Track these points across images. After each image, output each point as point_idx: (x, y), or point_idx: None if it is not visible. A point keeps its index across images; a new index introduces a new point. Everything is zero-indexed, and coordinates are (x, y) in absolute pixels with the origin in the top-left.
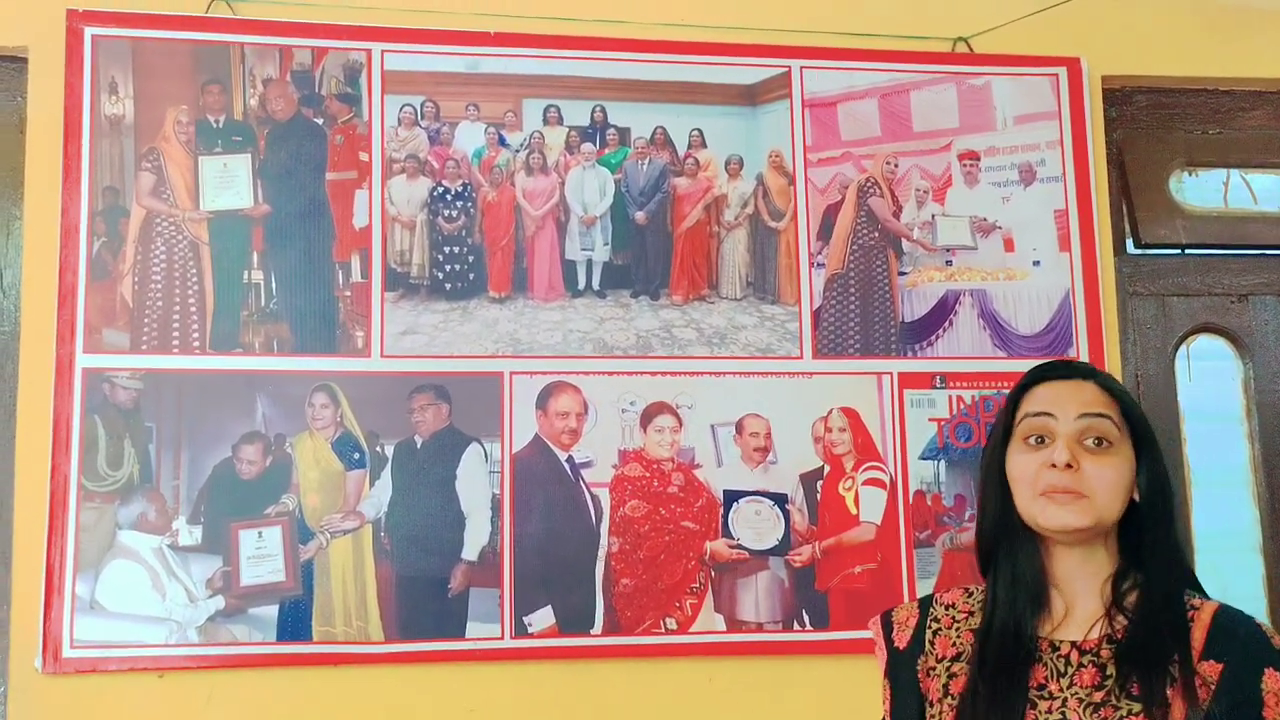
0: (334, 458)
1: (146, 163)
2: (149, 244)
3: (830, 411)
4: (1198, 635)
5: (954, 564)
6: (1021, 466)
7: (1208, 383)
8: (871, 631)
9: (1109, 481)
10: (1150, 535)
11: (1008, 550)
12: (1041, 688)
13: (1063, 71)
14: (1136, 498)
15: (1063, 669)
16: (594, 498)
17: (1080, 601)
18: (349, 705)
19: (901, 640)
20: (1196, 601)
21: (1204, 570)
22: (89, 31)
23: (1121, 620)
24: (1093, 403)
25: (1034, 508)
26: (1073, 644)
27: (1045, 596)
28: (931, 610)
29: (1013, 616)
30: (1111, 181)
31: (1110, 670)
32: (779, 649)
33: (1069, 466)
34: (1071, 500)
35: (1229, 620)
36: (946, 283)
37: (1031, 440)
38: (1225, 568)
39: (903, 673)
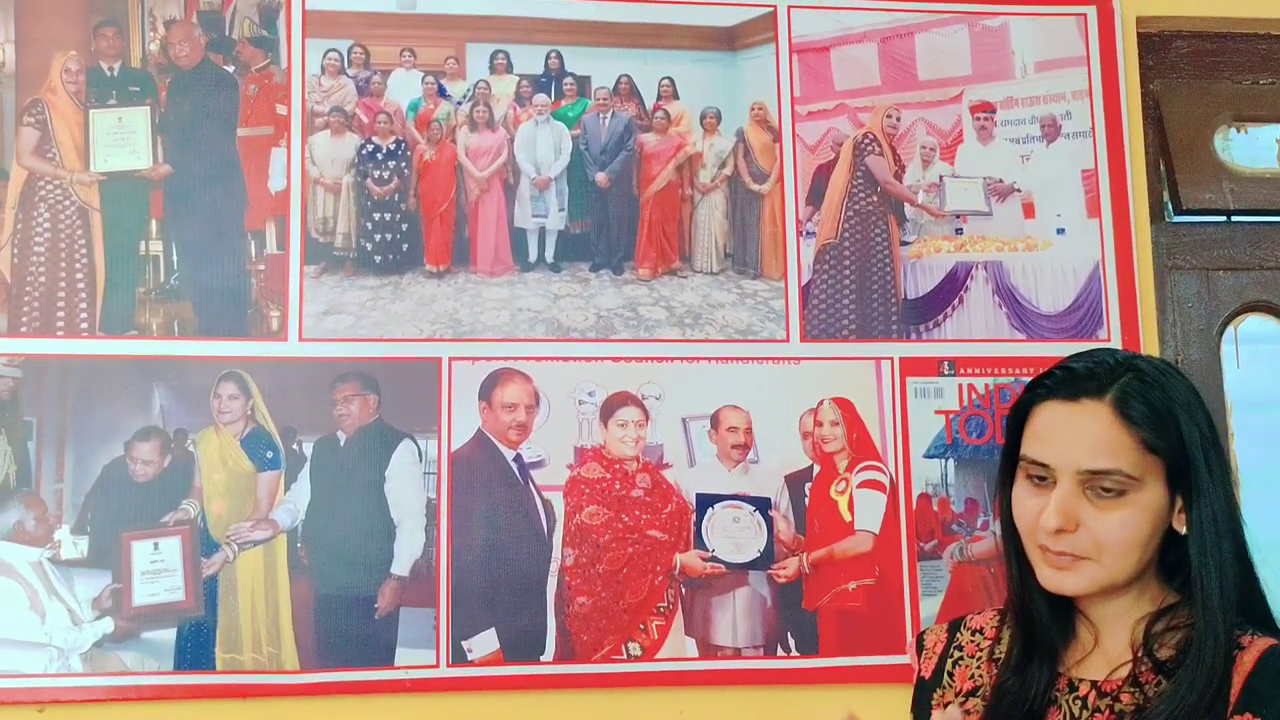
0: (243, 457)
1: (29, 117)
2: (31, 210)
3: (821, 403)
4: (1236, 683)
5: (964, 579)
6: (1021, 510)
7: (1258, 368)
8: (908, 655)
9: (1117, 539)
10: (1201, 579)
11: (1018, 592)
12: None
13: (1091, 11)
14: (1182, 530)
15: (1077, 713)
16: (545, 503)
17: (1110, 636)
18: None
19: (927, 669)
20: (1247, 639)
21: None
22: None
23: (1148, 664)
24: (1100, 452)
25: (1034, 559)
26: (1092, 684)
27: (1061, 636)
28: (958, 637)
29: (1026, 672)
30: (1147, 138)
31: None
32: (760, 678)
33: (1060, 531)
34: (1070, 564)
35: (1276, 665)
36: (956, 254)
37: (1034, 479)
38: (1275, 580)
39: (922, 704)
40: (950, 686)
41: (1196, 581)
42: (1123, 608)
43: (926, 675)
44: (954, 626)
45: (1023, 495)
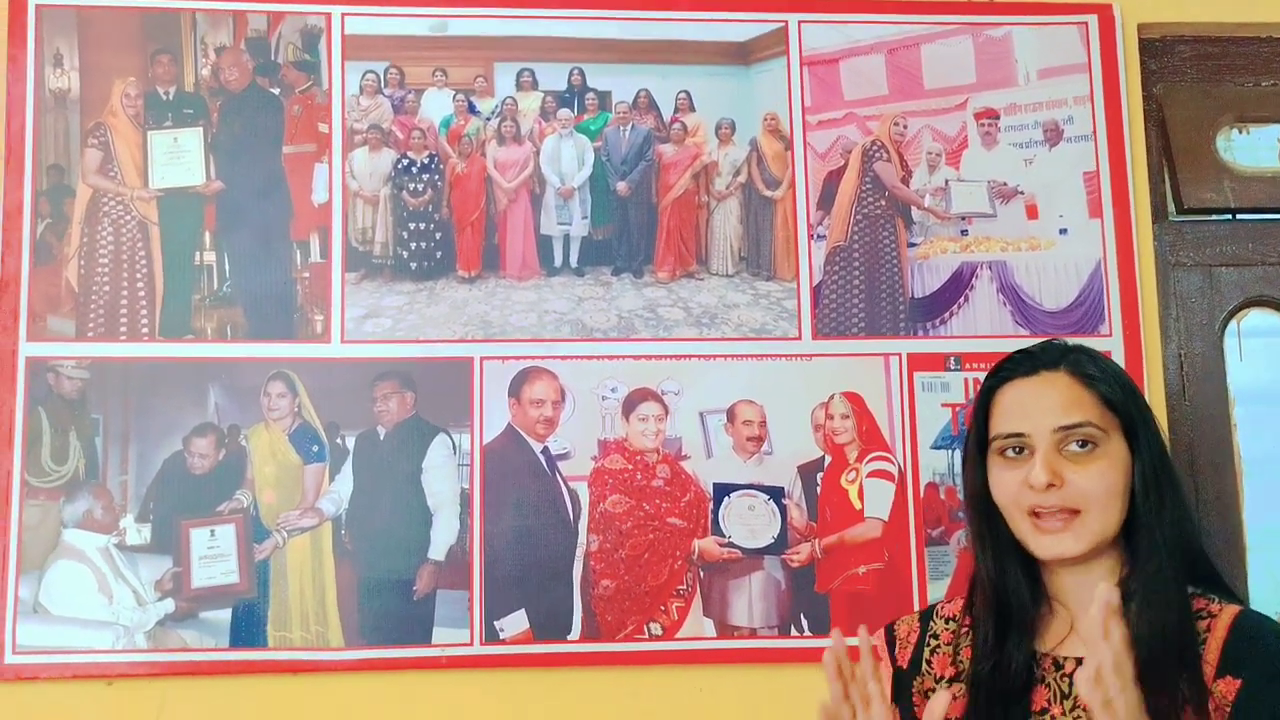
0: (291, 451)
1: (93, 139)
2: (95, 225)
3: (832, 397)
4: (1213, 648)
5: (970, 564)
6: (1003, 486)
7: (1261, 362)
8: (876, 643)
9: (1100, 489)
10: (1147, 528)
11: (994, 573)
12: (1043, 712)
13: (1093, 19)
14: (1135, 488)
15: (1066, 690)
16: (571, 492)
17: (1085, 613)
18: (307, 715)
19: (904, 658)
20: (1215, 607)
21: (1258, 573)
22: (32, 1)
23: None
24: (1068, 408)
25: (1024, 531)
26: (1078, 661)
27: (1036, 616)
28: (931, 625)
29: (1003, 652)
30: (1150, 140)
31: None
32: (775, 656)
33: (1050, 486)
34: (1064, 524)
35: (1249, 629)
36: (962, 254)
37: (1009, 453)
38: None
39: (902, 694)
40: (930, 674)
41: (1142, 533)
42: (1097, 578)
43: (904, 665)
44: (925, 616)
45: (1000, 472)
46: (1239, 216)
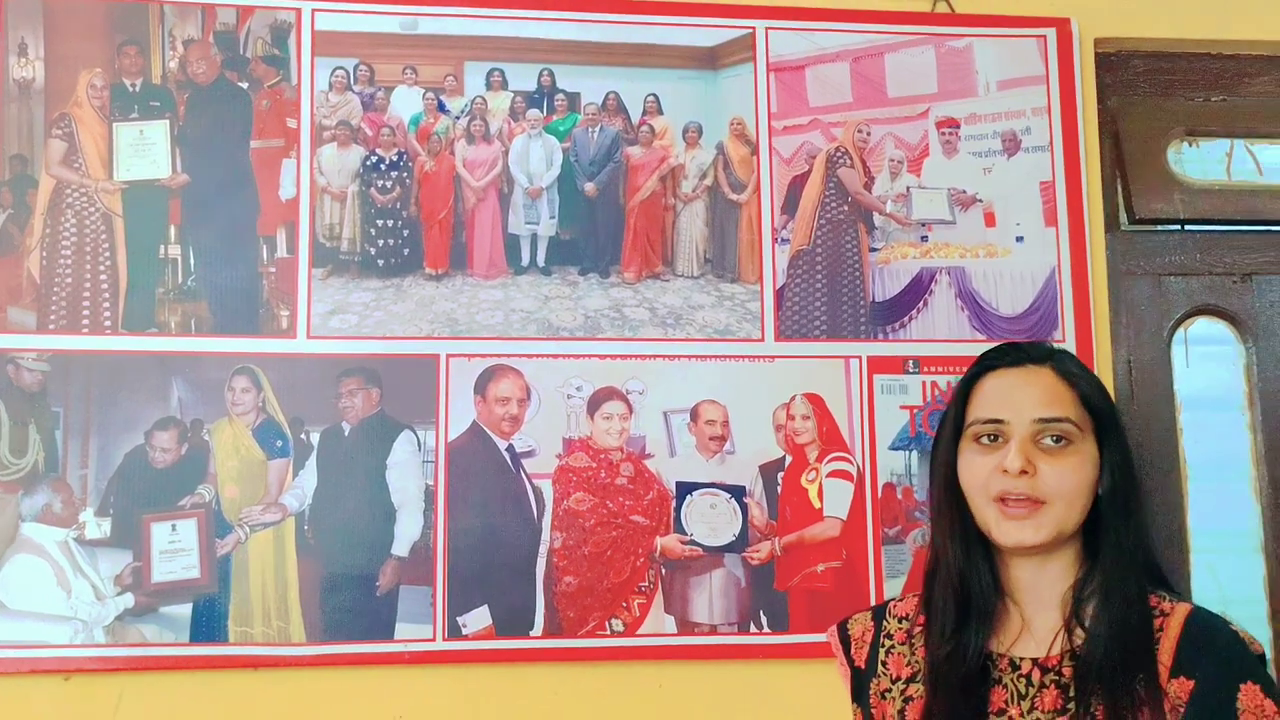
0: (255, 446)
1: (57, 129)
2: (58, 216)
3: (793, 398)
4: (1166, 648)
5: (925, 562)
6: (973, 470)
7: (1207, 369)
8: (830, 643)
9: (1069, 484)
10: (1113, 530)
11: (958, 558)
12: (1001, 712)
13: (1051, 33)
14: (1100, 491)
15: (1023, 690)
16: (536, 490)
17: (1040, 612)
18: (268, 711)
19: (860, 657)
20: (1167, 605)
21: (1201, 571)
22: None
23: (1081, 633)
24: (1049, 402)
25: (989, 518)
26: (1034, 661)
27: (996, 610)
28: (884, 624)
29: (962, 637)
30: (1104, 152)
31: (1074, 691)
32: (734, 653)
33: (1024, 473)
34: (1028, 513)
35: (1202, 629)
36: (922, 260)
37: (984, 440)
38: (1224, 569)
39: (861, 693)
40: (885, 675)
41: (1107, 534)
42: (1055, 573)
43: (861, 665)
44: (878, 614)
45: (973, 457)
46: (1188, 227)
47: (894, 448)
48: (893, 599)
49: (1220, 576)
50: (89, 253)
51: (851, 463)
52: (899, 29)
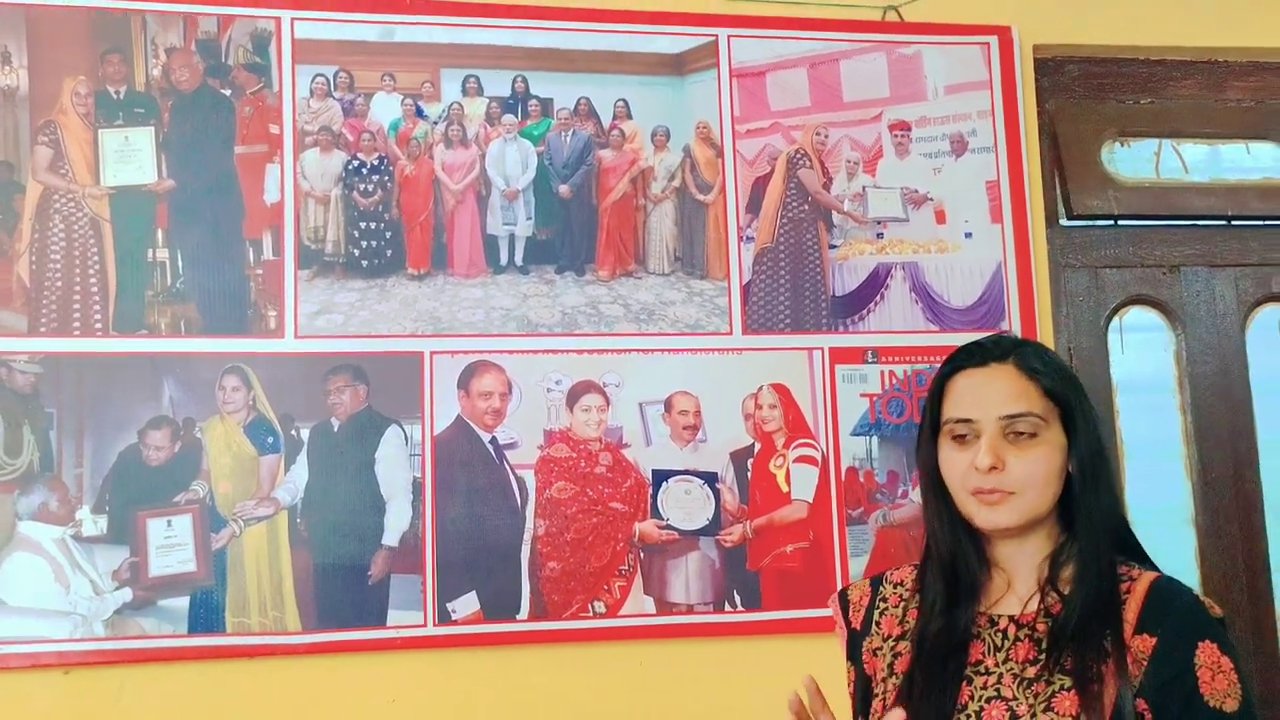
0: (246, 442)
1: (43, 136)
2: (46, 221)
3: (760, 388)
4: (1132, 608)
5: (887, 541)
6: (952, 466)
7: (1140, 355)
8: (830, 610)
9: (1036, 475)
10: (1084, 506)
11: (947, 542)
12: (978, 664)
13: (994, 40)
14: (1072, 470)
15: (999, 643)
16: (519, 480)
17: (1020, 578)
18: (266, 698)
19: (857, 620)
20: (1135, 572)
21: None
22: None
23: (1054, 596)
24: (1012, 398)
25: (969, 507)
26: (1010, 618)
27: (981, 579)
28: (881, 589)
29: (953, 614)
30: (1043, 152)
31: (1046, 645)
32: (710, 631)
33: (993, 469)
34: (1000, 500)
35: (1164, 592)
36: (878, 255)
37: (958, 439)
38: (1158, 541)
39: (855, 652)
40: (878, 633)
41: (1079, 510)
42: (1033, 548)
43: (857, 627)
44: (876, 582)
45: (950, 454)
46: (1121, 223)
47: (855, 433)
48: (891, 569)
49: (1153, 547)
50: (78, 257)
51: (816, 448)
52: (853, 37)
